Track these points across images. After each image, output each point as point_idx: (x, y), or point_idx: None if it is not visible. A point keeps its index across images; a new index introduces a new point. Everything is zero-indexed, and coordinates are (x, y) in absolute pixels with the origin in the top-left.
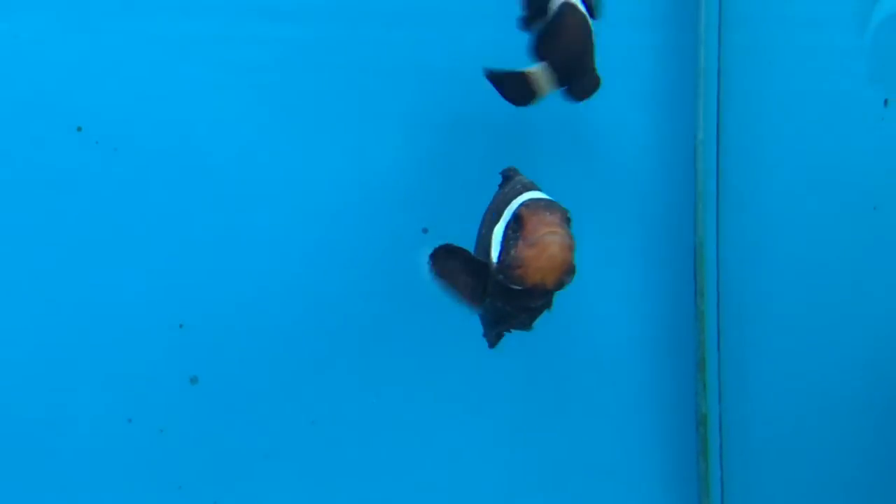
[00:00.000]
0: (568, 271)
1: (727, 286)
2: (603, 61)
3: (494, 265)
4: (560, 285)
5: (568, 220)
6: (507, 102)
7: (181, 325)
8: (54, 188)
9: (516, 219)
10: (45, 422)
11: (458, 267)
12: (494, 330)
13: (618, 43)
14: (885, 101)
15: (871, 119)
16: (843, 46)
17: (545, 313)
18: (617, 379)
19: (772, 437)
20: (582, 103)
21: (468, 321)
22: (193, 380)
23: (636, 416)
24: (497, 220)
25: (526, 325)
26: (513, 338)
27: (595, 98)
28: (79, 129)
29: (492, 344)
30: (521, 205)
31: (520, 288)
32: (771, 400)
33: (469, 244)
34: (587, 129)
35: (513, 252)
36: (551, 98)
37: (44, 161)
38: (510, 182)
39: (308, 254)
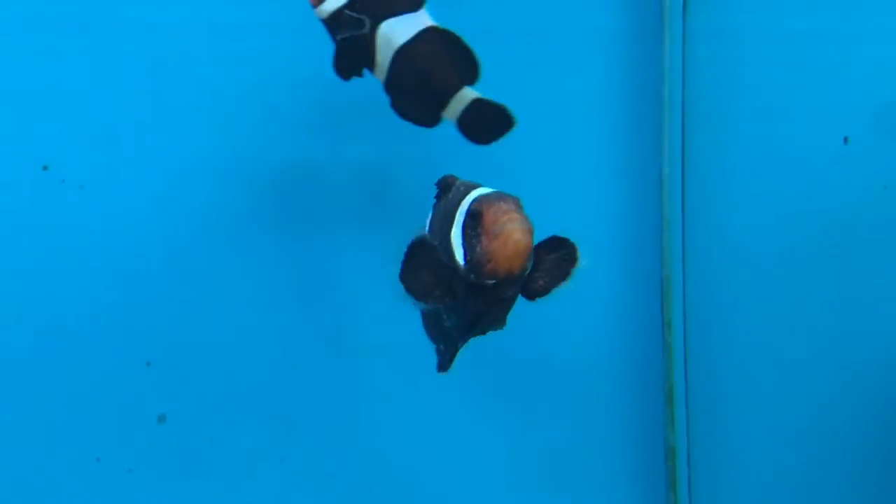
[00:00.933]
0: (531, 255)
1: (694, 319)
2: (568, 96)
3: (462, 267)
4: (525, 270)
5: (521, 207)
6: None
7: (148, 364)
8: (21, 226)
9: (473, 215)
10: (14, 461)
11: (426, 268)
12: (469, 335)
13: (582, 78)
14: (845, 139)
15: (832, 156)
16: (805, 85)
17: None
18: (586, 412)
19: (740, 470)
20: (546, 142)
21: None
22: (161, 418)
23: (605, 449)
24: (451, 225)
25: (500, 322)
26: (481, 371)
27: (562, 133)
28: (44, 167)
29: (445, 366)
30: (474, 201)
31: (493, 282)
32: (739, 432)
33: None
34: (552, 163)
35: (478, 248)
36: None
37: (9, 200)
38: (452, 188)
39: (274, 291)
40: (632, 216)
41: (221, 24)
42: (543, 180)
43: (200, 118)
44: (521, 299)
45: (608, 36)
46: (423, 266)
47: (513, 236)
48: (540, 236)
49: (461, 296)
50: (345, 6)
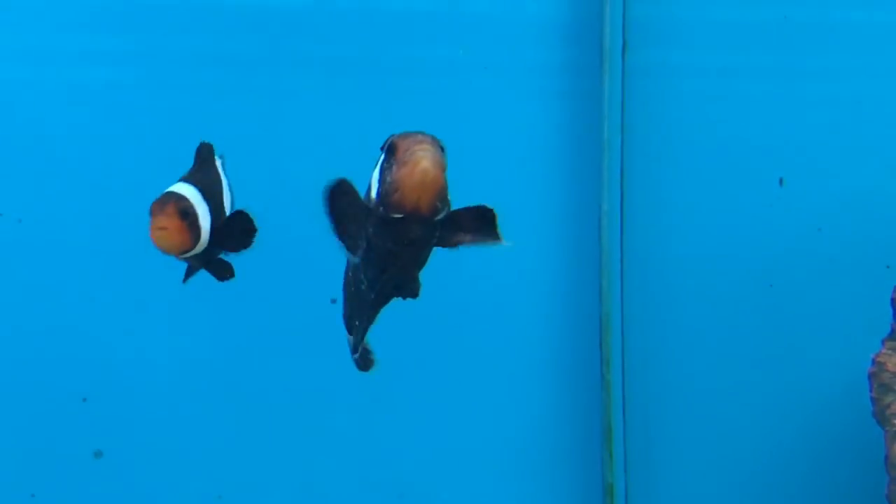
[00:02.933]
0: (441, 194)
1: (632, 356)
2: (508, 132)
3: (375, 202)
4: (435, 210)
5: (441, 148)
6: None
7: (84, 399)
8: None
9: (389, 149)
10: None
11: (346, 208)
12: (380, 293)
13: (522, 115)
14: (780, 180)
15: (768, 197)
16: (740, 123)
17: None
18: (523, 449)
19: None
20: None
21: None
22: (97, 454)
23: (543, 486)
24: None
25: (411, 276)
26: (412, 411)
27: (500, 168)
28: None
29: (356, 348)
30: (392, 136)
31: (399, 216)
32: (677, 470)
33: None
34: (490, 198)
35: (388, 178)
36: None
37: None
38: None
39: (214, 325)
40: (570, 252)
41: None
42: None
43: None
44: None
45: (547, 71)
46: (345, 212)
47: (420, 164)
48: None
49: (371, 237)
50: None
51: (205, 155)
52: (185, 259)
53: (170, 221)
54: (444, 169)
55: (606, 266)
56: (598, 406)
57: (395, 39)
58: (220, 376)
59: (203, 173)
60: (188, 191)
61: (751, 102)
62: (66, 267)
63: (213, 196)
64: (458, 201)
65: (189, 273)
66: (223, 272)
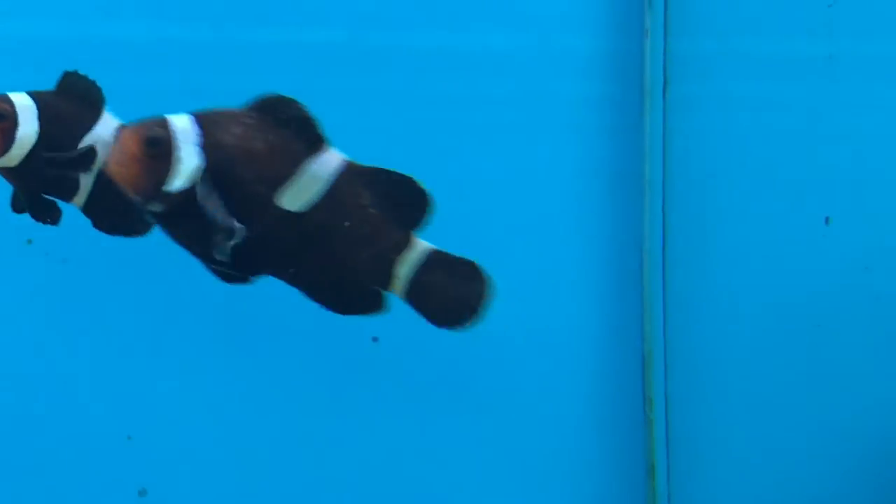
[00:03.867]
0: (149, 172)
1: (675, 395)
2: (549, 168)
3: None
4: (142, 191)
5: (167, 128)
6: None
7: (129, 437)
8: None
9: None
10: None
11: None
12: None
13: (563, 151)
14: (827, 219)
15: (814, 236)
16: (785, 160)
17: None
18: (567, 487)
19: None
20: (524, 214)
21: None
22: (142, 492)
23: None
24: None
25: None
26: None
27: (540, 205)
28: (29, 241)
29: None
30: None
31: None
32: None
33: None
34: (530, 235)
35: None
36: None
37: None
38: None
39: (257, 362)
40: (613, 291)
41: None
42: (521, 253)
43: None
44: None
45: (588, 106)
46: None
47: (123, 135)
48: (516, 309)
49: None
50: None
51: (84, 91)
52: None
53: None
54: (152, 143)
55: (649, 304)
56: (641, 445)
57: (437, 74)
58: (266, 414)
59: (62, 100)
60: (22, 100)
61: (795, 138)
62: (110, 306)
63: (53, 122)
64: (500, 236)
65: (15, 203)
66: (45, 213)
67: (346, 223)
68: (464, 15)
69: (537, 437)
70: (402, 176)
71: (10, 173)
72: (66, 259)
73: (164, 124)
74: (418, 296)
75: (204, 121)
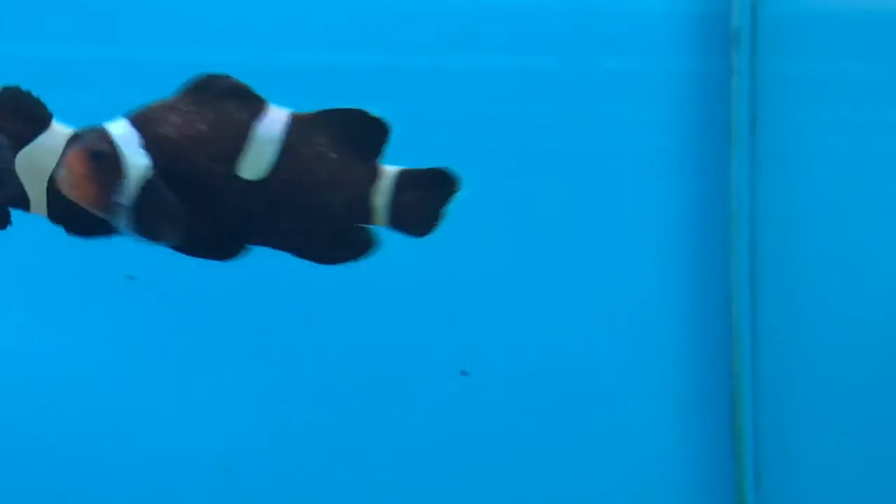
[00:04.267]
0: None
1: (764, 431)
2: (635, 213)
3: None
4: (101, 205)
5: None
6: None
7: (227, 469)
8: (105, 333)
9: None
10: None
11: None
12: None
13: (648, 196)
14: None
15: None
16: (876, 212)
17: None
18: None
19: None
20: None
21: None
22: None
23: None
24: None
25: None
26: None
27: (629, 251)
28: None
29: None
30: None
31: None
32: None
33: None
34: (619, 280)
35: None
36: None
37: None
38: None
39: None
40: (700, 327)
41: None
42: (609, 296)
43: None
44: None
45: (674, 154)
46: None
47: (68, 158)
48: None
49: None
50: None
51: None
52: None
53: None
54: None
55: (737, 344)
56: (731, 482)
57: (526, 97)
58: (362, 443)
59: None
60: None
61: (885, 189)
62: (208, 339)
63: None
64: (589, 284)
65: None
66: None
67: (311, 174)
68: (562, 39)
69: (627, 472)
70: (352, 111)
71: None
72: (165, 293)
73: (104, 136)
74: (399, 218)
75: (140, 120)
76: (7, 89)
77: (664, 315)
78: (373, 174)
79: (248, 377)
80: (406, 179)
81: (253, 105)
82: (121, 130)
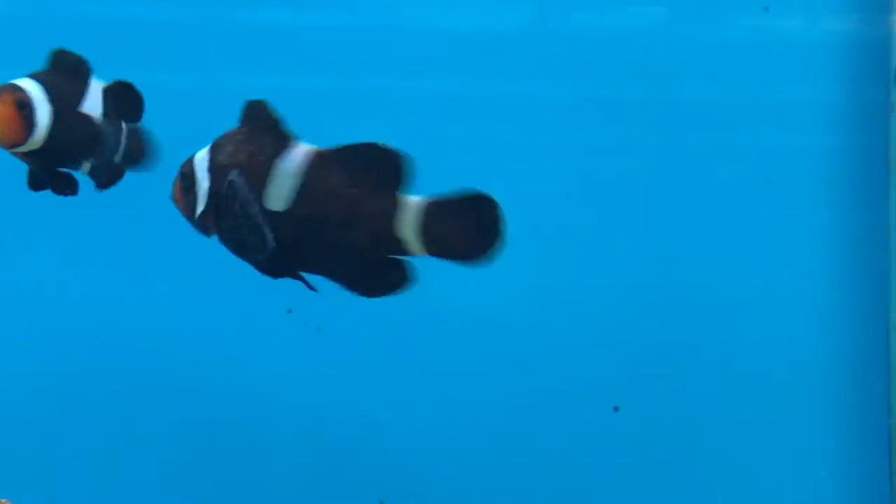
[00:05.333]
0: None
1: None
2: (791, 243)
3: None
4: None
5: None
6: None
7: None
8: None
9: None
10: None
11: None
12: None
13: (805, 226)
14: None
15: None
16: None
17: None
18: None
19: None
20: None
21: None
22: None
23: None
24: None
25: None
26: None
27: (787, 281)
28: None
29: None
30: None
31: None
32: None
33: None
34: (776, 308)
35: None
36: None
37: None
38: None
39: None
40: (858, 363)
41: None
42: (765, 323)
43: None
44: None
45: (832, 184)
46: None
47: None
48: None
49: None
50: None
51: (73, 65)
52: (22, 159)
53: (3, 109)
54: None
55: (895, 378)
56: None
57: (681, 126)
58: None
59: (64, 81)
60: (29, 85)
61: None
62: (364, 369)
63: (61, 101)
64: (745, 311)
65: (32, 180)
66: (65, 186)
67: (326, 209)
68: (711, 67)
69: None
70: (369, 145)
71: (29, 155)
72: (322, 327)
73: (189, 160)
74: (438, 247)
75: (213, 146)
76: (57, 51)
77: (821, 351)
78: (391, 207)
79: None
80: (435, 207)
81: (279, 140)
82: (200, 154)
